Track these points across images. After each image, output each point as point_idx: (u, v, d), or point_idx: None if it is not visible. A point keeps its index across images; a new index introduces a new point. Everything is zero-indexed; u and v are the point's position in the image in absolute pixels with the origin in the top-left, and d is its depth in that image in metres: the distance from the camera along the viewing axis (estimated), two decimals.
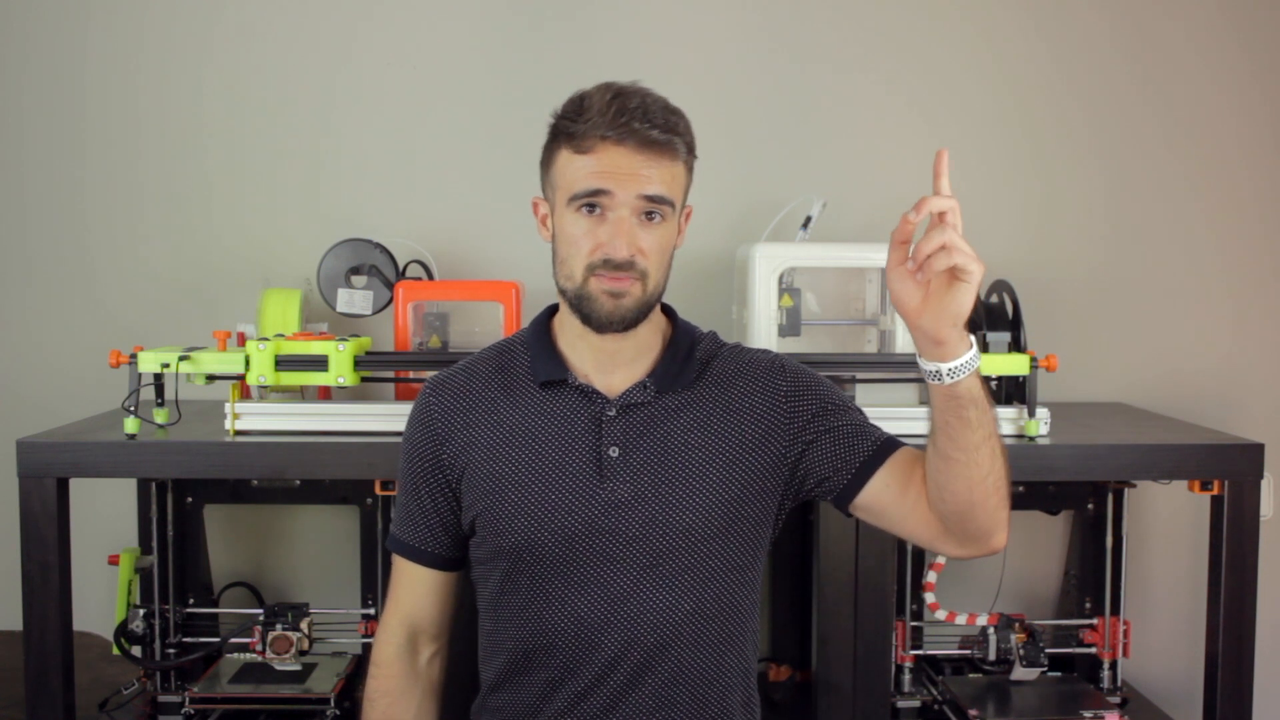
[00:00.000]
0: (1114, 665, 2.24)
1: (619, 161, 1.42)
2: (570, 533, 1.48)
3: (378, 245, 2.28)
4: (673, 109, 1.47)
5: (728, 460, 1.51)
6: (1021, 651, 2.10)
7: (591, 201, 1.44)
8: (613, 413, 1.50)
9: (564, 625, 1.49)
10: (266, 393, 2.10)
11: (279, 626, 2.05)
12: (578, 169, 1.44)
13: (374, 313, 2.28)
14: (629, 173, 1.43)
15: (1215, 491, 1.96)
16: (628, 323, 1.47)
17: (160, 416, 2.00)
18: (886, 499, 1.50)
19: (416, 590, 1.59)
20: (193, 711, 2.09)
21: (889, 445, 1.52)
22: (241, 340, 2.10)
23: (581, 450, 1.50)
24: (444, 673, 1.64)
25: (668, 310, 1.61)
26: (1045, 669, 2.12)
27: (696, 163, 1.53)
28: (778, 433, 1.53)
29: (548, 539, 1.48)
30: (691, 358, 1.55)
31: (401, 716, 1.58)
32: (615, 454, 1.49)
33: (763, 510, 1.54)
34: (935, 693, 2.17)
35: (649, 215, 1.45)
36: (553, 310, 1.59)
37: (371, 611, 2.21)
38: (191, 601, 2.31)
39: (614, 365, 1.53)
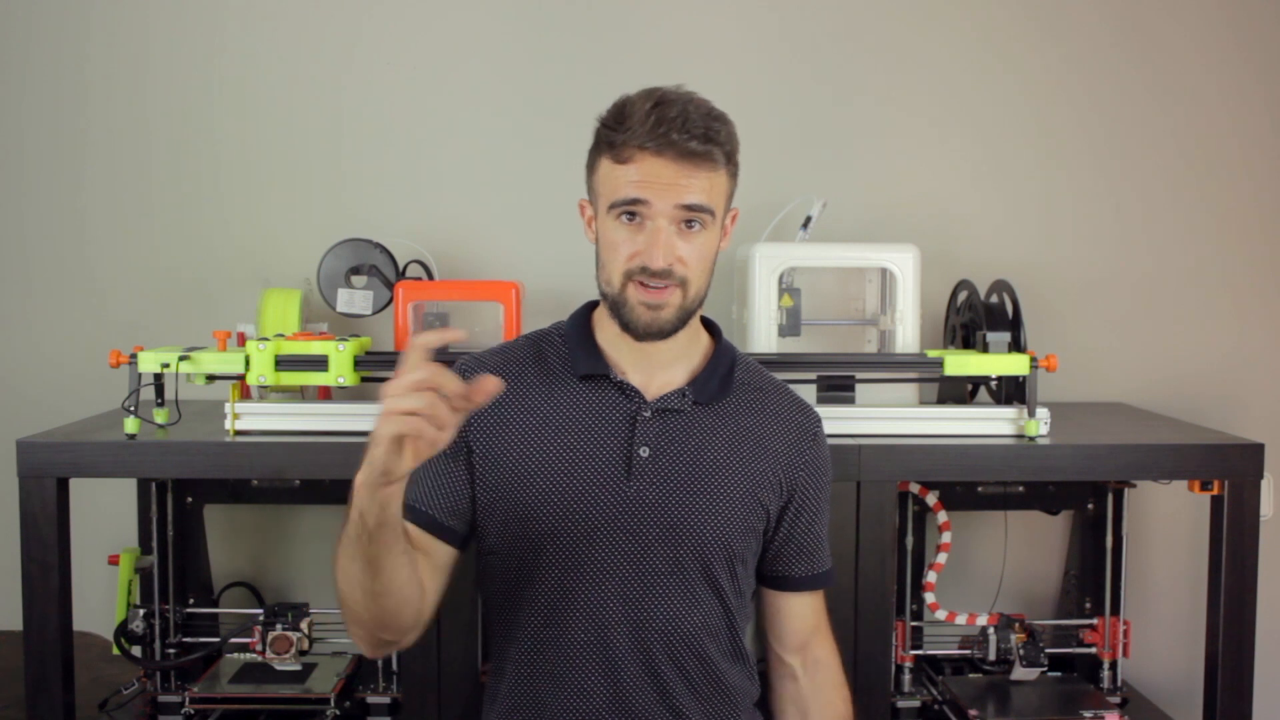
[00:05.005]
0: (1114, 665, 2.23)
1: (657, 172, 1.44)
2: (593, 525, 1.49)
3: (378, 245, 2.28)
4: (715, 115, 1.49)
5: (748, 490, 1.54)
6: (1021, 651, 2.10)
7: (630, 210, 1.46)
8: (648, 414, 1.52)
9: (577, 619, 1.50)
10: (266, 393, 2.10)
11: (279, 626, 2.05)
12: (618, 178, 1.46)
13: (374, 313, 2.27)
14: (667, 183, 1.45)
15: (1215, 491, 1.95)
16: (666, 333, 1.50)
17: (160, 416, 2.00)
18: (778, 610, 1.63)
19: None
20: (193, 711, 2.09)
21: (824, 579, 1.64)
22: (241, 340, 2.10)
23: (613, 446, 1.51)
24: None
25: (712, 327, 1.64)
26: (1045, 669, 2.12)
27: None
28: (784, 485, 1.58)
29: (571, 529, 1.49)
30: (731, 377, 1.58)
31: None
32: (645, 454, 1.51)
33: (758, 546, 1.59)
34: (935, 693, 2.17)
35: (688, 224, 1.47)
36: (593, 305, 1.60)
37: None
38: (191, 601, 2.30)
39: (652, 366, 1.55)
